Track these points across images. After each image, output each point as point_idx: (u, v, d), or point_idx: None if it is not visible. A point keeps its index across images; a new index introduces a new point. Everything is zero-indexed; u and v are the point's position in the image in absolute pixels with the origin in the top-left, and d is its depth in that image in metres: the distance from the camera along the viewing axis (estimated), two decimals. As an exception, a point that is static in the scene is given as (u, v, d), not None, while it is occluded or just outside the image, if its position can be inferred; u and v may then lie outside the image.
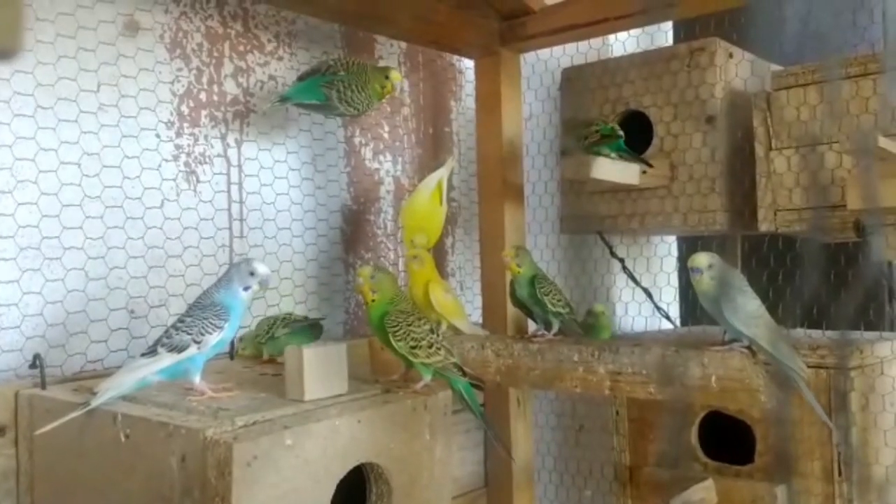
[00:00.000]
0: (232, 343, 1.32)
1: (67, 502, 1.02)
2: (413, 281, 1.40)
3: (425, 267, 1.39)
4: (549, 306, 1.34)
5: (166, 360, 0.97)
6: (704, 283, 1.16)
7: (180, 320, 1.00)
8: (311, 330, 1.32)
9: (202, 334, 0.97)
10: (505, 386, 1.52)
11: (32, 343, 1.16)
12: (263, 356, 1.29)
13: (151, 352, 0.98)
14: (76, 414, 0.95)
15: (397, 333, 1.09)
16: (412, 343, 1.09)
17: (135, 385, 0.97)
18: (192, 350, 0.97)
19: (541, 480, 2.01)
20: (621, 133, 1.52)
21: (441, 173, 1.47)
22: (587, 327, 1.65)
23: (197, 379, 0.99)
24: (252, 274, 1.03)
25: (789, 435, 1.44)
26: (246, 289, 1.02)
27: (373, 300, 1.11)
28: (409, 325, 1.10)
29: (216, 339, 0.98)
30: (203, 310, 1.00)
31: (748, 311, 1.13)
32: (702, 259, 1.16)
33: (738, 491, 1.49)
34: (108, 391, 0.95)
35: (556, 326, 1.36)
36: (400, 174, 1.73)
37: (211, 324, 0.98)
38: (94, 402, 0.95)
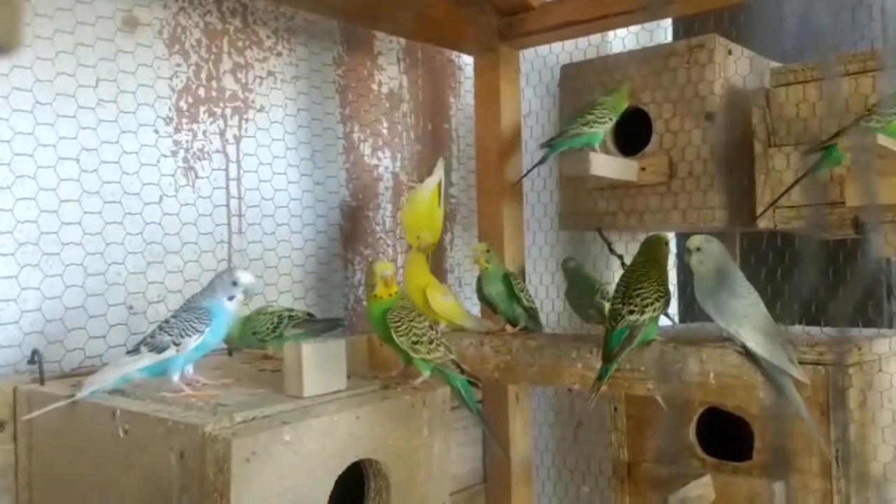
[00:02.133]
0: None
1: (66, 498, 1.02)
2: (409, 286, 1.41)
3: (412, 269, 1.42)
4: (525, 301, 1.43)
5: (146, 359, 0.99)
6: (695, 266, 1.17)
7: (165, 321, 1.02)
8: (325, 331, 1.30)
9: (182, 337, 0.99)
10: (503, 382, 1.52)
11: (31, 339, 1.16)
12: (269, 351, 1.28)
13: (135, 350, 1.00)
14: (61, 404, 0.98)
15: (399, 329, 1.09)
16: (414, 339, 1.10)
17: (117, 381, 1.00)
18: (171, 352, 0.98)
19: (539, 477, 2.01)
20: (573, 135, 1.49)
21: (438, 176, 1.50)
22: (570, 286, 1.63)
23: (175, 377, 1.00)
24: (235, 284, 1.02)
25: (787, 431, 1.44)
26: (230, 298, 1.02)
27: (390, 294, 1.12)
28: (411, 321, 1.10)
29: (196, 343, 0.99)
30: (188, 312, 1.01)
31: (731, 308, 1.13)
32: (694, 241, 1.17)
33: (736, 487, 1.49)
34: (92, 385, 0.98)
35: (523, 321, 1.44)
36: (399, 170, 1.73)
37: (192, 327, 0.99)
38: (79, 395, 0.98)
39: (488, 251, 1.45)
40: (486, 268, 1.43)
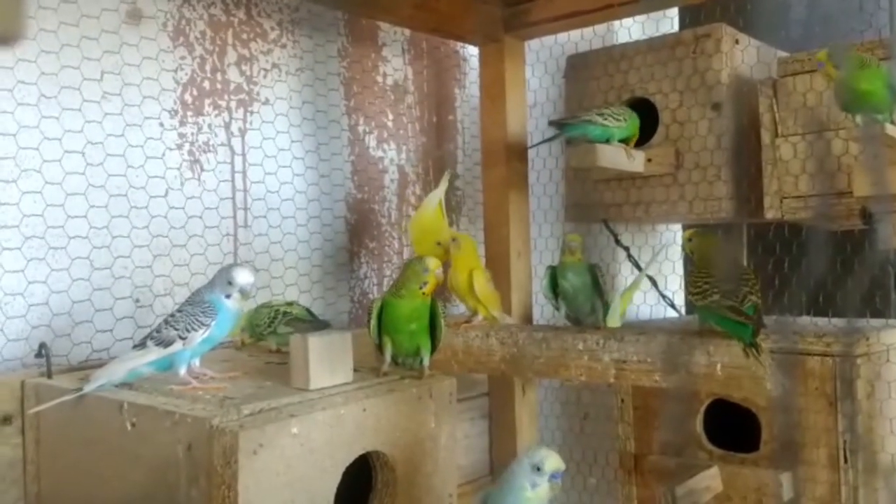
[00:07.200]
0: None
1: (74, 490, 1.02)
2: (455, 266, 1.42)
3: (463, 252, 1.42)
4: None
5: (153, 353, 0.99)
6: None
7: (171, 315, 1.01)
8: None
9: (188, 331, 0.99)
10: (510, 374, 1.52)
11: (38, 332, 1.16)
12: (270, 345, 1.28)
13: (141, 344, 1.00)
14: (68, 398, 0.98)
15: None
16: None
17: (125, 376, 1.00)
18: (178, 345, 0.98)
19: (546, 468, 2.01)
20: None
21: (441, 191, 1.52)
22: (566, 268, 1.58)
23: (182, 371, 1.00)
24: (230, 283, 1.01)
25: (795, 422, 1.43)
26: (228, 296, 1.02)
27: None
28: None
29: (202, 337, 0.99)
30: (193, 306, 1.01)
31: None
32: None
33: (744, 479, 1.49)
34: (100, 379, 0.99)
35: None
36: (404, 163, 1.73)
37: (198, 321, 0.99)
38: (86, 389, 0.98)
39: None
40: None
